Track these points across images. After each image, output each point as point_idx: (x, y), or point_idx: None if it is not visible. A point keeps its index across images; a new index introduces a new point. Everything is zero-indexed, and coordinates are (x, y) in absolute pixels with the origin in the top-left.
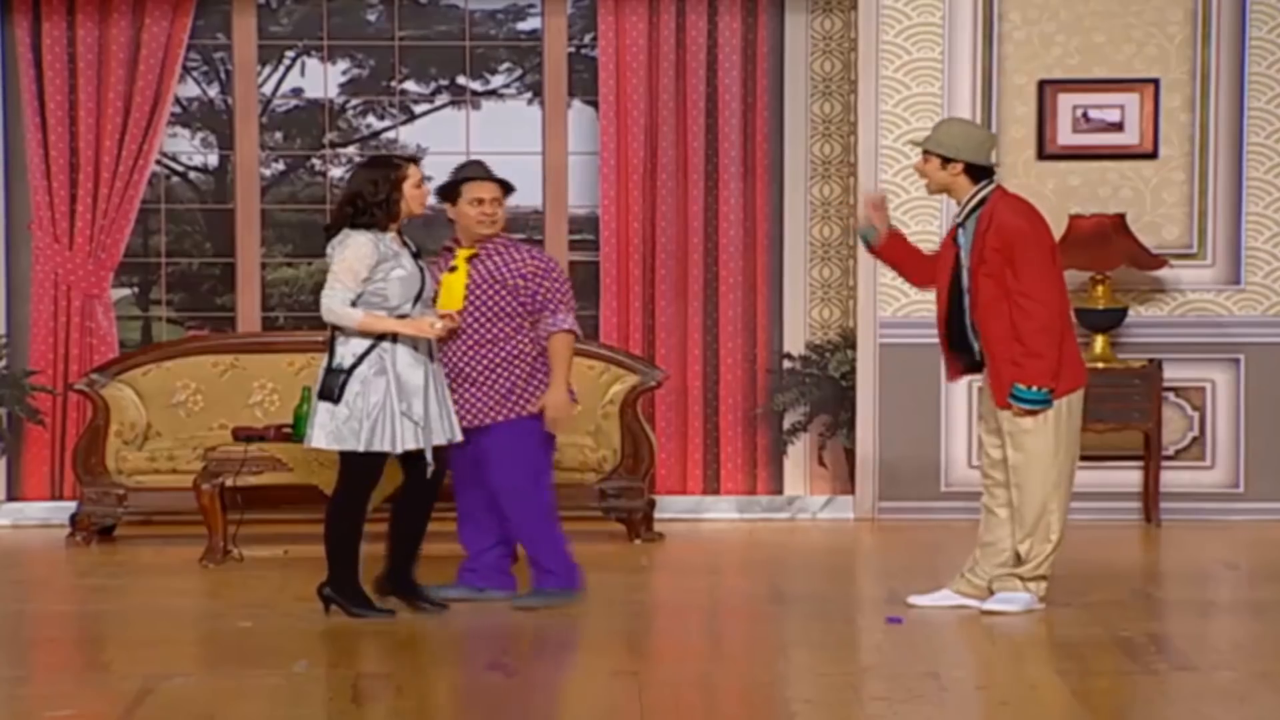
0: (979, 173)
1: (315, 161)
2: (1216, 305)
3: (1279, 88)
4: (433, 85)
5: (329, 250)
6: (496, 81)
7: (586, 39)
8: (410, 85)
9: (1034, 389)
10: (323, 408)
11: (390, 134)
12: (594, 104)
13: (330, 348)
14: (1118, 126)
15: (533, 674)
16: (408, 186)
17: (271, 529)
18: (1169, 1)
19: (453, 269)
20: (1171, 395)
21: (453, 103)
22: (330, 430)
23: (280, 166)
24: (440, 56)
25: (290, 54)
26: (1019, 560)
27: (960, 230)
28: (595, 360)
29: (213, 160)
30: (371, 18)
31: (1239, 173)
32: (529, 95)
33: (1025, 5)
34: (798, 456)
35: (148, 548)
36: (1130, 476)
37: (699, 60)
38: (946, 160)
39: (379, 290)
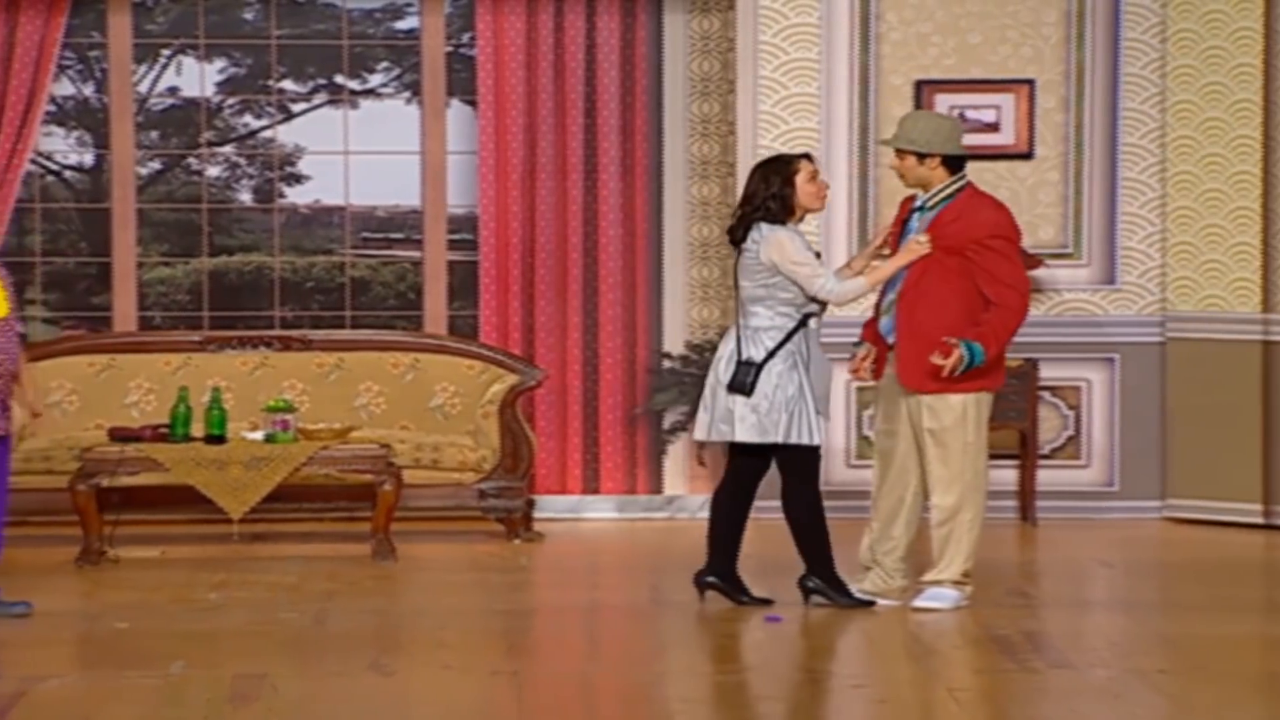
0: (956, 162)
1: (192, 160)
2: (1092, 305)
3: (1153, 88)
4: (310, 84)
5: (745, 251)
6: (374, 80)
7: (465, 38)
8: (288, 84)
9: (978, 350)
10: (740, 401)
11: (268, 133)
12: (473, 103)
13: (737, 342)
14: (994, 127)
15: (410, 674)
16: (800, 181)
17: (148, 530)
18: (1044, 3)
19: None
20: (1047, 394)
21: (330, 102)
22: (752, 424)
23: (156, 165)
24: (318, 55)
25: (166, 52)
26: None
27: (917, 215)
28: (475, 360)
29: (88, 159)
30: (248, 16)
31: (1114, 173)
32: (407, 94)
33: (902, 6)
34: (677, 456)
35: (23, 549)
36: (1006, 475)
37: (577, 60)
38: (922, 156)
39: (786, 285)
